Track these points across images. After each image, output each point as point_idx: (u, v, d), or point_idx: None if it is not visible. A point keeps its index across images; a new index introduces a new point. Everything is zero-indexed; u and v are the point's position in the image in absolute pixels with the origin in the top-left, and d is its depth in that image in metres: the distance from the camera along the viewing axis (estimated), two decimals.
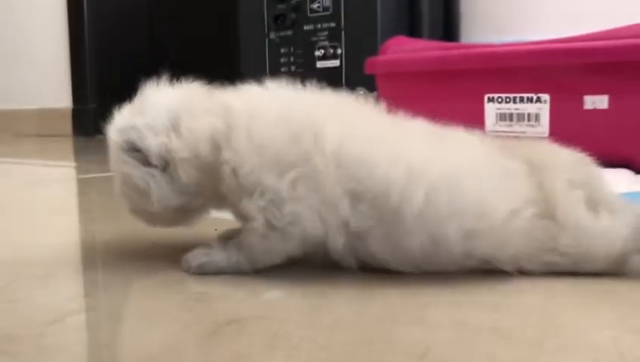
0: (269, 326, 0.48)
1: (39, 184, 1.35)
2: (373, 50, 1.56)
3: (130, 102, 0.65)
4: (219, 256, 0.60)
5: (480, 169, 0.58)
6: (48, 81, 3.09)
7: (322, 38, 1.82)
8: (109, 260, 0.68)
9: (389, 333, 0.46)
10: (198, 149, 0.59)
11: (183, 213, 0.64)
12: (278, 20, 1.89)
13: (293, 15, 1.86)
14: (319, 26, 1.82)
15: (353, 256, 0.59)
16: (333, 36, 1.80)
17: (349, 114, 0.62)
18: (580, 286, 0.57)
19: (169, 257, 0.65)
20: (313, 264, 0.61)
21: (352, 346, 0.44)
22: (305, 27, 1.85)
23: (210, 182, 0.60)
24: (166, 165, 0.60)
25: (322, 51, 1.82)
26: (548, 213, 0.58)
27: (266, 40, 1.93)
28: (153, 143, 0.60)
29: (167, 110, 0.61)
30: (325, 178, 0.56)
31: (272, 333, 0.46)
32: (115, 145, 0.62)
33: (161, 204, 0.61)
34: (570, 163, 0.62)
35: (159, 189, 0.61)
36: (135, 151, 0.61)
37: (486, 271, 0.60)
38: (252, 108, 0.59)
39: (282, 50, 1.90)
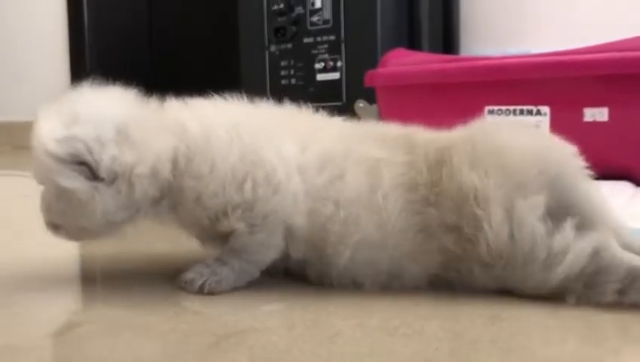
0: (269, 339, 0.48)
1: (38, 196, 1.35)
2: (373, 63, 1.57)
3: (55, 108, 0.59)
4: (224, 271, 0.59)
5: (397, 234, 0.58)
6: (47, 92, 3.08)
7: (322, 50, 1.82)
8: (109, 274, 0.68)
9: (389, 346, 0.46)
10: (157, 167, 0.58)
11: (118, 227, 0.61)
12: (279, 33, 1.89)
13: (293, 28, 1.86)
14: (319, 38, 1.82)
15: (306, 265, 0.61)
16: (334, 49, 1.80)
17: (301, 127, 0.63)
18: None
19: (167, 270, 0.65)
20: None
21: (352, 359, 0.44)
22: (305, 40, 1.85)
23: (163, 199, 0.60)
24: (114, 178, 0.57)
25: (322, 64, 1.82)
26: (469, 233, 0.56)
27: (266, 53, 1.94)
28: (104, 156, 0.56)
29: (111, 120, 0.57)
30: (285, 180, 0.58)
31: (272, 346, 0.46)
32: (50, 157, 0.56)
33: (104, 219, 0.57)
34: (524, 165, 0.57)
35: (104, 204, 0.57)
36: (78, 164, 0.56)
37: None
38: (206, 130, 0.59)
39: (282, 63, 1.91)
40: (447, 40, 1.95)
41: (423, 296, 0.57)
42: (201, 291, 0.58)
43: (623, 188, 1.05)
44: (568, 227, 0.55)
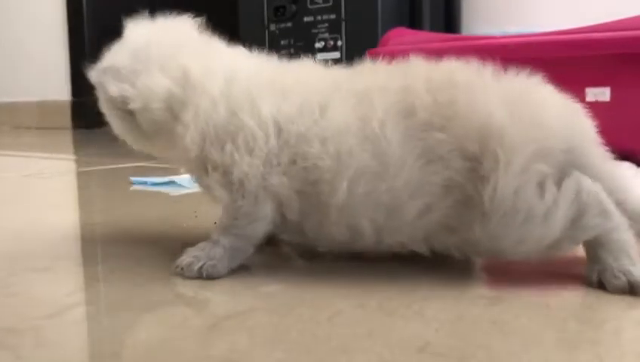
0: (269, 319, 0.48)
1: (39, 177, 1.35)
2: (374, 42, 1.56)
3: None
4: (218, 253, 0.58)
5: (398, 163, 0.54)
6: (48, 73, 3.08)
7: (322, 29, 1.81)
8: (109, 254, 0.68)
9: (388, 327, 0.46)
10: (150, 105, 0.61)
11: (150, 147, 0.68)
12: (278, 12, 1.88)
13: (293, 7, 1.85)
14: (319, 17, 1.81)
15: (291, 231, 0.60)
16: (334, 28, 1.79)
17: (288, 82, 0.61)
18: (581, 279, 0.57)
19: (168, 250, 0.65)
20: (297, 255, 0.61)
21: (351, 340, 0.44)
22: (305, 19, 1.84)
23: (160, 136, 0.64)
24: (131, 110, 0.63)
25: (322, 43, 1.81)
26: (467, 196, 0.54)
27: (266, 32, 1.93)
28: (112, 89, 0.62)
29: (130, 54, 0.64)
30: (261, 143, 0.57)
31: (272, 327, 0.46)
32: (96, 85, 0.65)
33: (134, 145, 0.67)
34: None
35: (123, 128, 0.65)
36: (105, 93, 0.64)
37: (481, 265, 0.60)
38: (203, 79, 0.61)
39: (282, 42, 1.90)
40: (449, 19, 1.94)
41: (423, 277, 0.57)
42: (199, 276, 0.57)
43: (625, 169, 1.05)
44: (550, 182, 0.53)
